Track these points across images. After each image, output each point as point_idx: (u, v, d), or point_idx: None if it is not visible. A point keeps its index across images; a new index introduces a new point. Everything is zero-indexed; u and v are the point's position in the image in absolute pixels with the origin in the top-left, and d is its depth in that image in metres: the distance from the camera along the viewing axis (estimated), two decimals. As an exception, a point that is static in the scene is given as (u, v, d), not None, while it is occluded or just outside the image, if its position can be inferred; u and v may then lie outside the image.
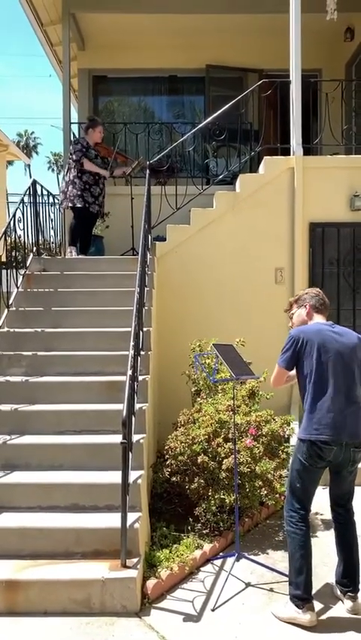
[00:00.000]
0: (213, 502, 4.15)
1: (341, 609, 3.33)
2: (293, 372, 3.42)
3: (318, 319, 3.47)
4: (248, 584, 3.65)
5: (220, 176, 7.14)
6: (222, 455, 4.23)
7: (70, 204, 6.73)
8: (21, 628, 3.18)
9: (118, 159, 7.11)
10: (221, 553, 4.06)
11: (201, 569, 3.84)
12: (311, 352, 3.25)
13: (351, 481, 3.36)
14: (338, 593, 3.42)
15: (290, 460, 3.39)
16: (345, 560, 3.36)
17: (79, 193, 6.65)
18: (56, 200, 7.35)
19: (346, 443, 3.17)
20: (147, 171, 6.53)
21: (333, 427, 3.16)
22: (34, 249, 6.66)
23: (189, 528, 4.22)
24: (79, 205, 6.68)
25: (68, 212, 7.15)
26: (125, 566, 3.42)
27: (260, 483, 4.26)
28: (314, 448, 3.18)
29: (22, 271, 6.09)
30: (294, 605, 3.20)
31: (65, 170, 6.86)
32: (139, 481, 3.86)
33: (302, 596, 3.18)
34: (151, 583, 3.48)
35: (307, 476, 3.27)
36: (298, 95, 6.52)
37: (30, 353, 5.09)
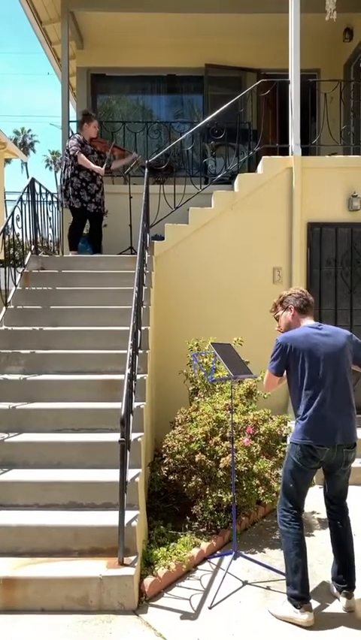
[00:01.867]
0: (210, 500, 4.16)
1: (338, 607, 3.34)
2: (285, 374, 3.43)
3: (305, 321, 3.45)
4: (245, 583, 3.67)
5: (219, 176, 7.15)
6: (220, 454, 4.24)
7: (67, 203, 6.72)
8: (18, 626, 3.18)
9: (115, 153, 7.08)
10: (218, 552, 4.07)
11: (199, 567, 3.86)
12: (300, 358, 3.25)
13: (345, 481, 3.38)
14: (335, 590, 3.44)
15: (284, 461, 3.40)
16: (340, 557, 3.38)
17: (75, 192, 6.64)
18: (54, 199, 7.34)
19: (338, 445, 3.19)
20: (146, 170, 6.54)
21: (325, 431, 3.17)
22: (33, 247, 6.65)
23: (186, 526, 4.24)
24: (76, 206, 6.67)
25: (66, 211, 7.14)
26: (122, 564, 3.43)
27: (257, 482, 4.28)
28: (308, 450, 3.20)
29: (20, 269, 6.09)
30: (291, 605, 3.21)
31: (63, 168, 6.84)
32: (137, 479, 3.87)
33: (299, 595, 3.20)
34: (148, 581, 3.49)
35: (300, 477, 3.29)
36: (296, 94, 6.53)
37: (28, 351, 5.09)
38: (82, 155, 6.58)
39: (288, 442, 3.40)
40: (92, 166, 6.63)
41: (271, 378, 3.44)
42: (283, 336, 3.38)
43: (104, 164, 6.81)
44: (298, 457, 3.23)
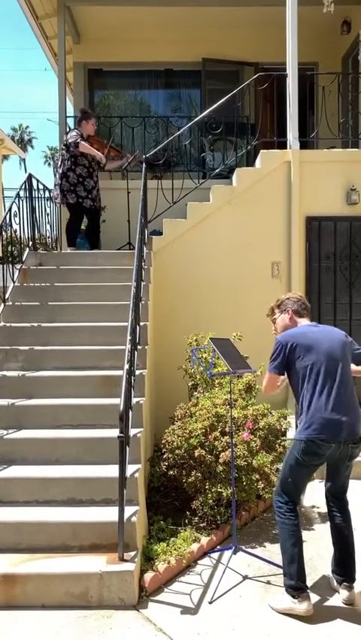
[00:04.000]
0: (210, 495, 4.16)
1: (338, 601, 3.34)
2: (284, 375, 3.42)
3: (302, 322, 3.49)
4: (245, 577, 3.67)
5: (217, 170, 7.12)
6: (219, 449, 4.23)
7: (63, 199, 6.70)
8: (18, 622, 3.18)
9: (112, 153, 7.07)
10: (218, 547, 4.07)
11: (199, 562, 3.85)
12: (302, 355, 3.26)
13: (347, 475, 3.39)
14: (335, 584, 3.44)
15: (286, 455, 3.39)
16: (341, 550, 3.38)
17: (72, 188, 6.61)
18: (52, 194, 7.32)
19: (344, 440, 3.18)
20: (144, 165, 6.51)
21: (331, 427, 3.16)
22: (31, 243, 6.63)
23: (186, 521, 4.23)
24: (71, 201, 6.64)
25: (64, 207, 7.12)
26: (122, 560, 3.43)
27: (257, 476, 4.27)
28: (313, 447, 3.18)
29: (18, 266, 6.07)
30: (290, 596, 3.21)
31: (59, 163, 6.80)
32: (136, 474, 3.87)
33: (297, 585, 3.20)
34: (148, 576, 3.49)
35: (301, 473, 3.28)
36: (294, 88, 6.50)
37: (26, 347, 5.08)
38: (83, 142, 6.55)
39: (292, 439, 3.38)
40: (95, 151, 6.61)
41: (272, 379, 3.42)
42: (283, 335, 3.38)
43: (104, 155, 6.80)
44: (302, 454, 3.22)
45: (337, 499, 3.41)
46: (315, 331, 3.35)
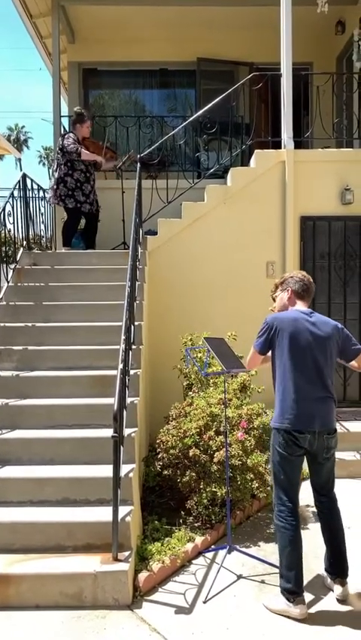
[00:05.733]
0: (204, 495, 4.16)
1: (332, 600, 3.35)
2: (269, 353, 3.45)
3: (299, 305, 3.46)
4: (240, 576, 3.67)
5: (211, 170, 7.12)
6: (214, 448, 4.24)
7: (61, 203, 6.69)
8: (13, 622, 3.17)
9: (107, 155, 7.09)
10: (213, 546, 4.07)
11: (193, 561, 3.85)
12: (283, 341, 3.27)
13: (330, 469, 3.38)
14: (329, 582, 3.45)
15: (270, 452, 3.40)
16: (332, 546, 3.39)
17: (70, 192, 6.60)
18: (47, 195, 7.31)
19: (318, 431, 3.20)
20: (138, 165, 6.51)
21: (303, 416, 3.19)
22: (25, 243, 6.62)
23: (180, 521, 4.23)
24: (70, 206, 6.64)
25: (58, 207, 7.11)
26: (116, 560, 3.43)
27: (252, 476, 4.28)
28: (290, 437, 3.22)
29: (12, 265, 6.06)
30: (285, 598, 3.22)
31: (55, 166, 6.79)
32: (130, 474, 3.87)
33: (293, 589, 3.20)
34: (143, 576, 3.48)
35: (288, 466, 3.29)
36: (289, 88, 6.50)
37: (21, 347, 5.07)
38: (84, 150, 6.57)
39: (270, 427, 3.40)
40: (95, 157, 6.65)
41: (255, 356, 3.48)
42: (272, 316, 3.40)
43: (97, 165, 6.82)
44: (282, 446, 3.25)
45: (324, 495, 3.41)
46: (306, 320, 3.31)
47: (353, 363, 3.43)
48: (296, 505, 3.34)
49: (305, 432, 3.19)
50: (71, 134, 6.73)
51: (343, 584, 3.34)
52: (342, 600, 3.32)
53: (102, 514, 3.61)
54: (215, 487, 4.16)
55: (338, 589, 3.34)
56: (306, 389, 3.22)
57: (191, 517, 4.27)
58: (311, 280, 3.58)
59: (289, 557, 3.23)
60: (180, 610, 3.30)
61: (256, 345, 3.42)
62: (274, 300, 3.65)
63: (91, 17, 8.60)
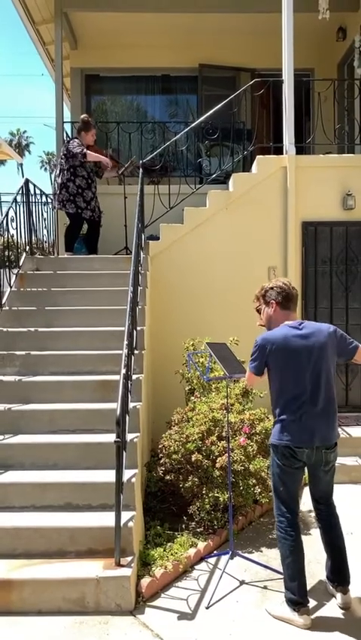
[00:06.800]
0: (207, 500, 4.16)
1: (335, 606, 3.34)
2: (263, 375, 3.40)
3: (286, 317, 3.37)
4: (242, 582, 3.66)
5: (213, 176, 7.15)
6: (216, 454, 4.24)
7: (63, 208, 6.71)
8: (15, 628, 3.17)
9: (110, 163, 7.11)
10: (215, 552, 4.06)
11: (196, 567, 3.85)
12: (278, 359, 3.23)
13: (329, 481, 3.37)
14: (330, 588, 3.44)
15: (270, 465, 3.39)
16: (333, 554, 3.38)
17: (71, 197, 6.62)
18: (49, 200, 7.33)
19: (317, 447, 3.18)
20: (140, 170, 6.53)
21: (303, 433, 3.17)
22: (27, 248, 6.64)
23: (183, 526, 4.23)
24: (71, 211, 6.66)
25: (61, 212, 7.13)
26: (119, 565, 3.42)
27: (254, 481, 4.27)
28: (288, 451, 3.21)
29: (15, 270, 6.07)
30: (289, 607, 3.21)
31: (57, 171, 6.82)
32: (133, 479, 3.87)
33: (297, 600, 3.19)
34: (145, 581, 3.48)
35: (288, 478, 3.28)
36: (290, 94, 6.53)
37: (23, 352, 5.08)
38: (89, 151, 6.59)
39: (269, 443, 3.39)
40: (101, 157, 6.67)
41: (251, 378, 3.42)
42: (262, 338, 3.32)
43: (100, 173, 6.87)
44: (281, 459, 3.24)
45: (323, 504, 3.40)
46: (297, 335, 3.23)
47: (357, 358, 3.33)
48: (296, 516, 3.33)
49: (304, 447, 3.18)
50: (75, 140, 6.77)
51: (345, 591, 3.32)
52: (345, 608, 3.31)
53: (105, 519, 3.61)
54: (217, 493, 4.15)
55: (339, 597, 3.33)
56: (304, 406, 3.17)
57: (193, 523, 4.26)
58: (292, 284, 3.47)
59: (290, 567, 3.22)
60: (182, 616, 3.29)
61: (252, 369, 3.35)
62: (258, 312, 3.54)
63: (93, 24, 8.65)
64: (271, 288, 3.43)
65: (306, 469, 3.34)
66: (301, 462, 3.23)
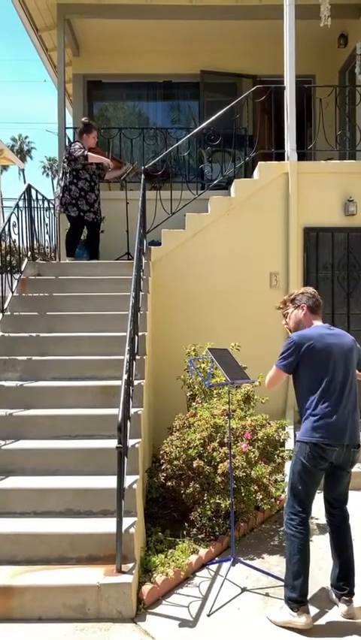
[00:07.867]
0: (208, 506, 4.14)
1: (337, 614, 3.32)
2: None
3: (316, 321, 3.49)
4: (244, 589, 3.64)
5: (215, 181, 7.16)
6: (218, 460, 4.22)
7: (65, 212, 6.73)
8: (15, 634, 3.15)
9: (112, 164, 7.13)
10: (217, 558, 4.05)
11: (197, 573, 3.83)
12: (314, 357, 3.27)
13: (347, 483, 3.39)
14: (333, 597, 3.41)
15: (291, 462, 3.39)
16: (340, 563, 3.36)
17: (73, 201, 6.63)
18: (51, 205, 7.35)
19: (347, 445, 3.21)
20: (142, 176, 6.55)
21: (336, 430, 3.19)
22: (29, 253, 6.65)
23: (184, 533, 4.21)
24: (73, 214, 6.68)
25: (63, 217, 7.15)
26: (120, 571, 3.41)
27: (255, 487, 4.26)
28: (317, 450, 3.21)
29: (16, 276, 6.08)
30: (289, 609, 3.19)
31: (60, 175, 6.84)
32: (134, 485, 3.85)
33: (297, 598, 3.18)
34: (146, 588, 3.46)
35: (309, 478, 3.28)
36: (292, 100, 6.55)
37: (25, 358, 5.08)
38: (90, 152, 6.60)
39: (295, 442, 3.39)
40: (103, 158, 6.69)
41: (278, 375, 3.43)
42: (298, 335, 3.37)
43: (102, 174, 6.86)
44: (307, 458, 3.23)
45: (338, 509, 3.40)
46: (330, 335, 3.36)
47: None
48: (308, 515, 3.34)
49: (335, 445, 3.19)
50: (77, 143, 6.79)
51: (349, 602, 3.29)
52: (348, 618, 3.27)
53: (106, 525, 3.60)
54: (219, 499, 4.14)
55: (343, 607, 3.30)
56: (338, 403, 3.22)
57: (195, 529, 4.25)
58: (319, 296, 3.63)
59: (296, 565, 3.21)
60: (184, 623, 3.27)
61: (283, 366, 3.36)
62: (284, 316, 3.63)
63: (96, 30, 8.70)
64: (302, 293, 3.58)
65: (325, 472, 3.33)
66: (326, 463, 3.24)
